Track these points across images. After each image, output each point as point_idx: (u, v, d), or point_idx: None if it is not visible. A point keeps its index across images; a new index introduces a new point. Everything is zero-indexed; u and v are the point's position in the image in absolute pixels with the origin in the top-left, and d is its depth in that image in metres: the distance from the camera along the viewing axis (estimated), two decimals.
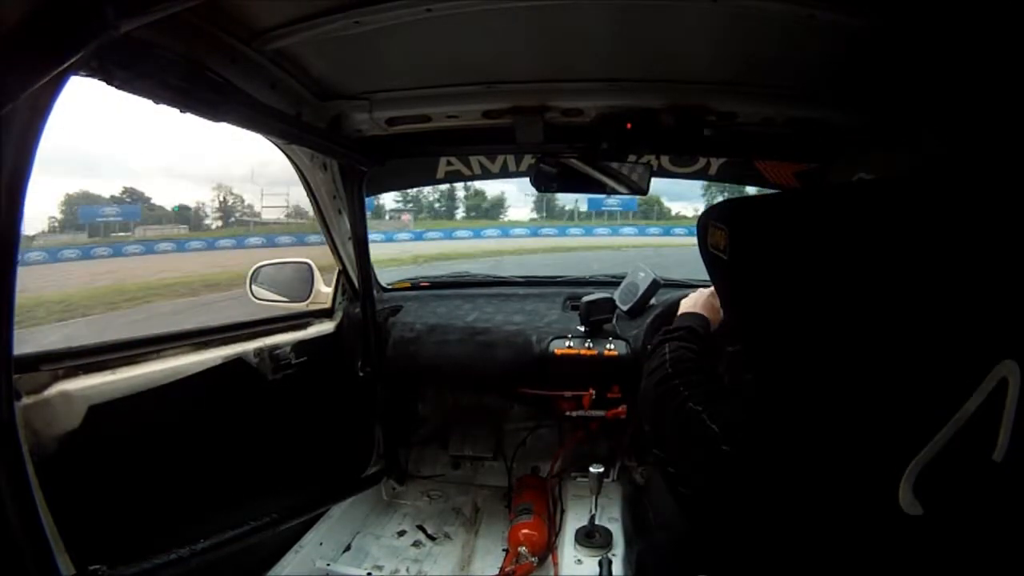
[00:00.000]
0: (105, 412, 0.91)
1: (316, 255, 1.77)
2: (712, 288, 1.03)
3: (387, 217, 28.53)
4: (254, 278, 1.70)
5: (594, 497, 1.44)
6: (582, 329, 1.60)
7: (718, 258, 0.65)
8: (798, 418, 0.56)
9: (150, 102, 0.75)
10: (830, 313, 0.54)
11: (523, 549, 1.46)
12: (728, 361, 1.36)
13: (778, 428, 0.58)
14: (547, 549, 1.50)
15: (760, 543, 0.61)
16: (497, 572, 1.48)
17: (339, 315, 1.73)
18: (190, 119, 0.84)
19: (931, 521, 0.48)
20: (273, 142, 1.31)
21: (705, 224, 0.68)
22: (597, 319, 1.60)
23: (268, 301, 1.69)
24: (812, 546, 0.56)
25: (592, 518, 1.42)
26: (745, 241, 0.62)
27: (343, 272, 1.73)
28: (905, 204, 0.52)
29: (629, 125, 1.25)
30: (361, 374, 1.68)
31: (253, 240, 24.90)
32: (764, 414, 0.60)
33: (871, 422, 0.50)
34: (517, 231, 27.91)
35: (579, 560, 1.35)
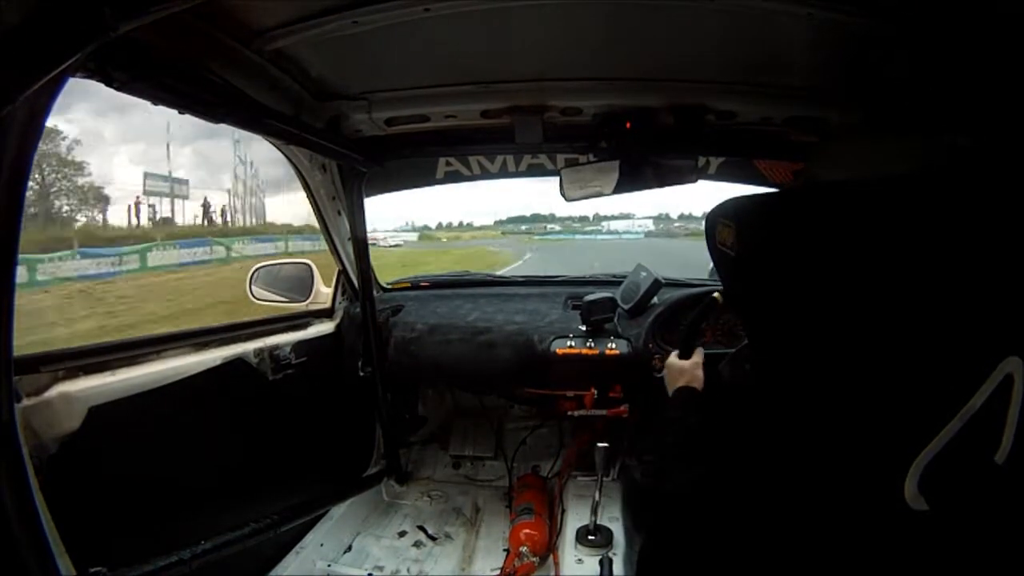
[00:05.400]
0: (105, 413, 0.91)
1: None
2: (675, 361, 1.06)
3: None
4: (254, 279, 1.70)
5: (599, 477, 1.42)
6: (583, 328, 1.60)
7: (725, 254, 0.65)
8: (803, 413, 0.56)
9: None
10: (836, 308, 0.54)
11: (524, 549, 1.46)
12: (730, 360, 1.35)
13: (782, 422, 0.58)
14: (548, 549, 1.50)
15: (762, 536, 0.61)
16: (498, 572, 1.48)
17: (339, 315, 1.73)
18: None
19: (936, 517, 0.48)
20: (272, 143, 1.31)
21: (714, 221, 0.68)
22: (598, 318, 1.60)
23: (268, 301, 1.69)
24: (815, 540, 0.56)
25: (596, 506, 1.41)
26: (752, 237, 0.62)
27: (343, 272, 1.73)
28: (910, 201, 0.52)
29: (628, 124, 1.25)
30: (362, 374, 1.68)
31: None
32: (768, 410, 0.60)
33: (877, 416, 0.50)
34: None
35: (580, 560, 1.35)
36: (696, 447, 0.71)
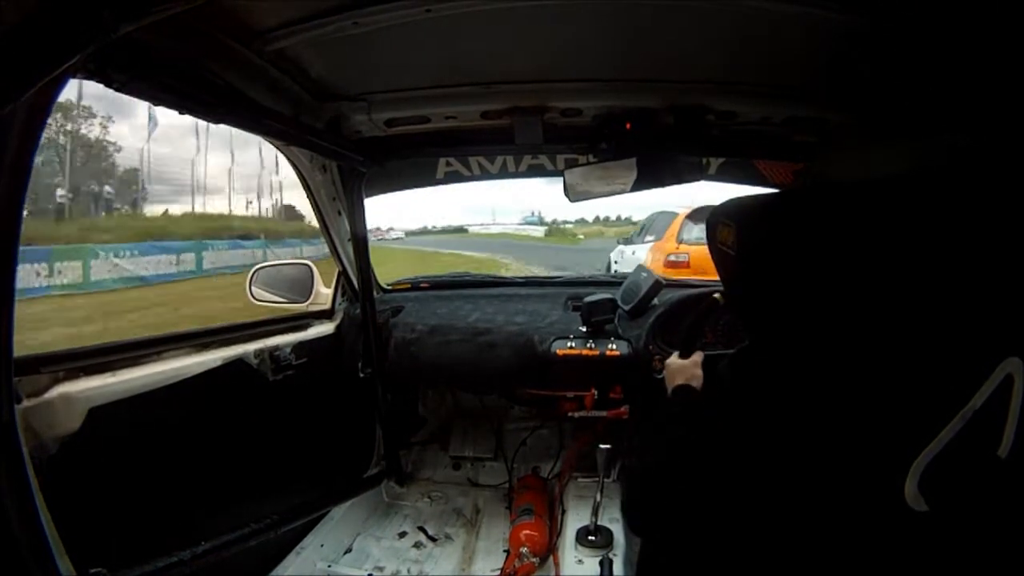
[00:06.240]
0: (106, 414, 0.91)
1: None
2: (674, 360, 1.06)
3: None
4: (254, 279, 1.70)
5: (600, 478, 1.42)
6: (584, 329, 1.60)
7: (726, 254, 0.66)
8: (803, 412, 0.56)
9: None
10: (836, 309, 0.54)
11: (524, 549, 1.46)
12: (730, 361, 1.35)
13: (782, 422, 0.58)
14: (548, 549, 1.50)
15: (762, 537, 0.61)
16: (498, 572, 1.48)
17: (339, 316, 1.73)
18: None
19: (936, 517, 0.48)
20: (272, 144, 1.31)
21: (715, 222, 0.68)
22: (599, 319, 1.60)
23: (268, 302, 1.69)
24: (815, 540, 0.55)
25: (596, 507, 1.41)
26: (752, 237, 0.62)
27: (343, 273, 1.73)
28: (910, 201, 0.52)
29: (628, 125, 1.25)
30: (362, 375, 1.68)
31: None
32: (768, 409, 0.60)
33: (877, 416, 0.50)
34: None
35: (580, 560, 1.35)
36: (690, 444, 0.71)
